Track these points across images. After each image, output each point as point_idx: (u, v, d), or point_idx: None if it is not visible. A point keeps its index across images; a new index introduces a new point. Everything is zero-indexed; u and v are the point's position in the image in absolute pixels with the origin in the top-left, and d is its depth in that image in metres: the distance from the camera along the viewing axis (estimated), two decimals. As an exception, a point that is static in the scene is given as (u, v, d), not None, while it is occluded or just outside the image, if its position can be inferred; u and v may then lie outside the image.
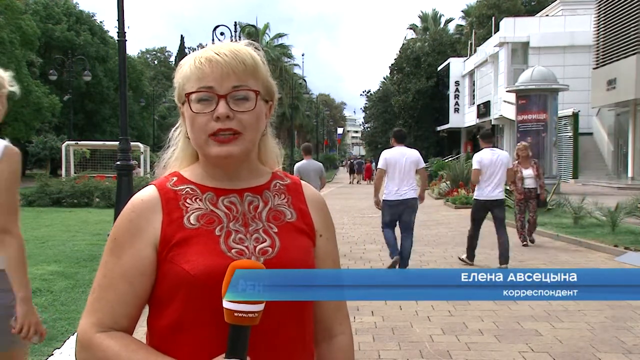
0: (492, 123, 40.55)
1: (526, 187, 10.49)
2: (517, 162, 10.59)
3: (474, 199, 8.83)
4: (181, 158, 1.38)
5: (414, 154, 8.18)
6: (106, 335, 1.21)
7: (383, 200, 8.31)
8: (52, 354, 4.70)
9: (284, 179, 1.41)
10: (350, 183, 43.09)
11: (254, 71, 1.28)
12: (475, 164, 8.54)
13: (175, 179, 1.34)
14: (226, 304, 1.10)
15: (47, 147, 34.73)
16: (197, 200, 1.30)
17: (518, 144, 11.12)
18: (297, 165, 9.24)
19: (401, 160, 8.00)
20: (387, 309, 6.24)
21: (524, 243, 10.67)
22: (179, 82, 1.31)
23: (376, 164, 10.35)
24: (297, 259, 1.28)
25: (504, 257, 8.52)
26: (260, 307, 1.11)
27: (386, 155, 8.17)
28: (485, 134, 9.04)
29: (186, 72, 1.29)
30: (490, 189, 8.40)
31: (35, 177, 20.98)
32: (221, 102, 1.25)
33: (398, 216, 8.17)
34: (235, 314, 1.10)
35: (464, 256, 8.96)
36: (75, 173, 24.92)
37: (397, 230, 8.30)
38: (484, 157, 8.45)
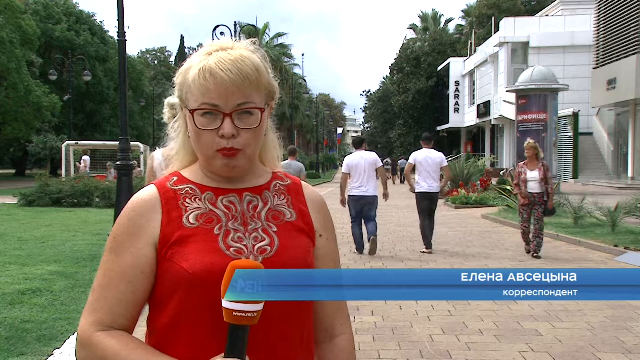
0: (492, 123, 40.59)
1: (530, 192, 9.20)
2: (523, 162, 9.45)
3: (416, 192, 10.01)
4: (181, 153, 1.38)
5: (371, 156, 9.59)
6: (106, 334, 1.21)
7: (349, 196, 9.62)
8: (52, 354, 4.70)
9: (284, 180, 1.41)
10: None
11: (258, 84, 1.28)
12: (410, 159, 10.09)
13: (175, 178, 1.34)
14: (225, 304, 1.10)
15: (47, 147, 34.73)
16: (197, 199, 1.30)
17: (525, 143, 9.64)
18: (347, 159, 10.09)
19: (361, 162, 9.41)
20: (387, 309, 6.24)
21: (527, 249, 9.60)
22: (181, 89, 1.31)
23: None
24: (296, 258, 1.28)
25: (428, 244, 10.04)
26: (259, 307, 1.11)
27: (347, 160, 9.65)
28: (425, 137, 10.40)
29: (189, 84, 1.28)
30: (427, 184, 9.77)
31: (35, 177, 20.97)
32: (227, 120, 1.25)
33: (361, 209, 9.53)
34: (234, 314, 1.10)
35: (423, 249, 10.09)
36: (75, 173, 24.91)
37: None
38: (419, 155, 9.92)
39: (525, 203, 9.34)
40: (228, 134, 1.24)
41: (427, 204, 9.84)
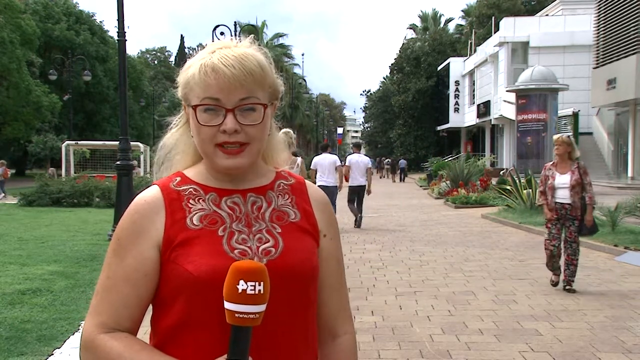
0: (492, 123, 40.58)
1: (558, 202, 7.04)
2: (551, 163, 7.32)
3: (349, 186, 13.27)
4: (183, 152, 1.37)
5: (332, 158, 12.49)
6: (109, 336, 1.21)
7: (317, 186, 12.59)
8: (52, 354, 4.70)
9: (288, 179, 1.40)
10: None
11: (261, 80, 1.26)
12: (346, 162, 13.38)
13: (178, 179, 1.33)
14: (227, 305, 1.10)
15: (47, 147, 34.73)
16: (200, 200, 1.29)
17: (555, 136, 7.37)
18: (314, 158, 12.91)
19: (324, 162, 12.32)
20: (387, 309, 6.24)
21: (554, 280, 7.16)
22: (183, 87, 1.30)
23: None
24: (301, 260, 1.27)
25: (357, 224, 13.46)
26: (261, 308, 1.10)
27: (315, 160, 12.60)
28: (355, 144, 14.94)
29: (190, 80, 1.27)
30: (356, 180, 13.18)
31: (35, 177, 20.98)
32: (229, 116, 1.23)
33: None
34: (237, 315, 1.09)
35: (355, 225, 13.43)
36: (75, 173, 24.92)
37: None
38: (352, 158, 13.42)
39: (554, 217, 7.09)
40: (230, 129, 1.22)
41: (355, 195, 13.36)
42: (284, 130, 8.66)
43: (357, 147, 14.34)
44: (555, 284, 7.15)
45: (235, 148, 1.25)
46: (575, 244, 7.06)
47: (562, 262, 7.16)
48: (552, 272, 7.20)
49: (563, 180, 7.04)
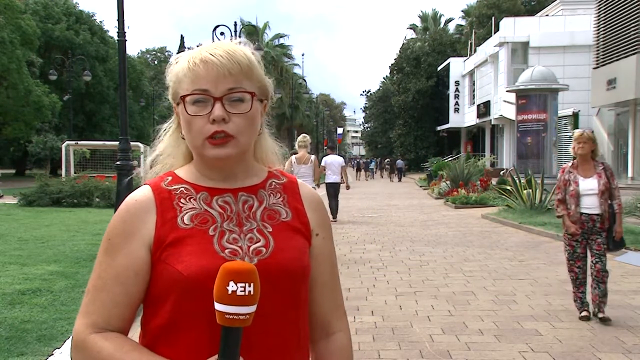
0: (492, 123, 40.56)
1: (584, 212, 5.80)
2: (571, 165, 5.99)
3: (325, 182, 14.79)
4: (174, 155, 1.37)
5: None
6: (100, 336, 1.21)
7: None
8: (52, 354, 4.70)
9: (280, 178, 1.40)
10: (366, 180, 47.44)
11: (249, 72, 1.28)
12: (322, 163, 14.32)
13: (169, 178, 1.33)
14: (217, 306, 1.10)
15: (47, 147, 34.68)
16: (191, 200, 1.29)
17: (576, 131, 6.01)
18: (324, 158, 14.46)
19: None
20: (387, 309, 6.24)
21: (583, 313, 5.78)
22: (172, 83, 1.31)
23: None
24: (292, 259, 1.27)
25: (333, 214, 14.73)
26: (251, 309, 1.10)
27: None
28: (330, 146, 16.93)
29: (179, 73, 1.28)
30: (331, 177, 14.57)
31: (35, 177, 20.98)
32: (217, 104, 1.24)
33: None
34: (227, 316, 1.09)
35: (330, 218, 15.36)
36: (75, 173, 24.89)
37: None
38: (328, 159, 14.75)
39: (579, 232, 5.81)
40: (218, 116, 1.23)
41: (332, 190, 14.89)
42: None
43: (331, 149, 16.44)
44: (587, 317, 5.76)
45: (222, 138, 1.24)
46: (605, 257, 5.83)
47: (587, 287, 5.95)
48: (581, 308, 5.85)
49: (589, 185, 5.77)
